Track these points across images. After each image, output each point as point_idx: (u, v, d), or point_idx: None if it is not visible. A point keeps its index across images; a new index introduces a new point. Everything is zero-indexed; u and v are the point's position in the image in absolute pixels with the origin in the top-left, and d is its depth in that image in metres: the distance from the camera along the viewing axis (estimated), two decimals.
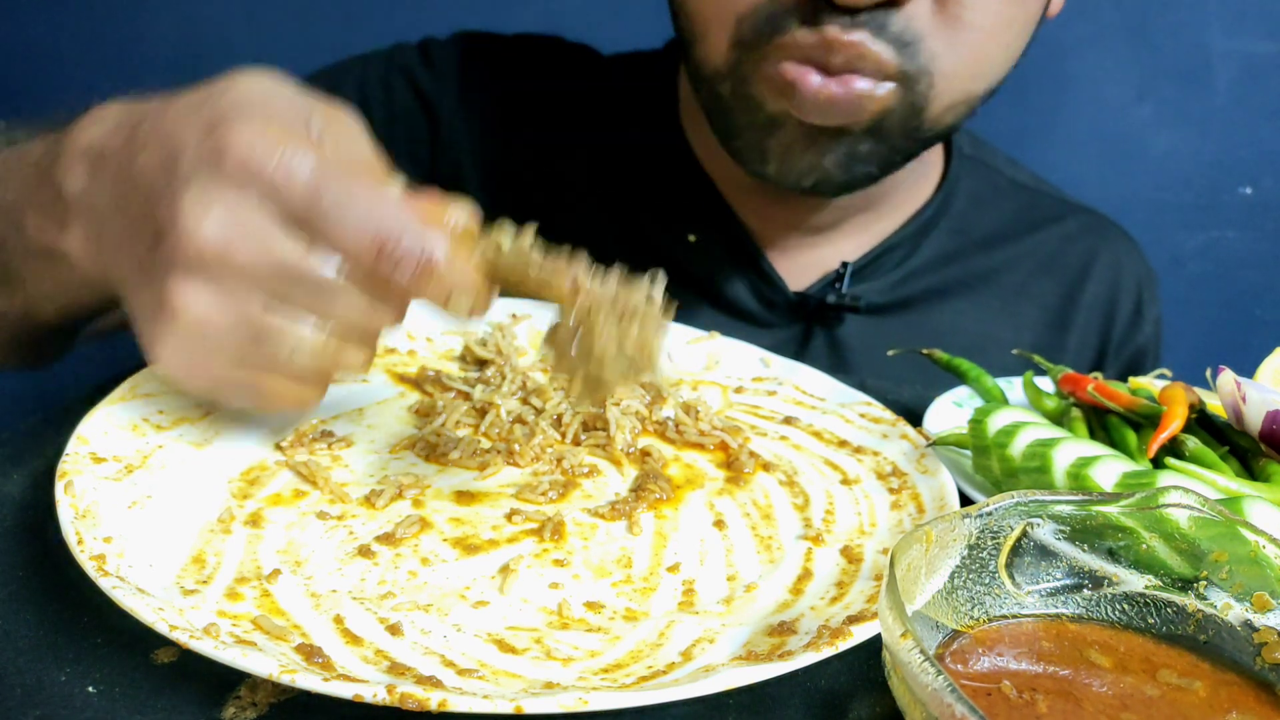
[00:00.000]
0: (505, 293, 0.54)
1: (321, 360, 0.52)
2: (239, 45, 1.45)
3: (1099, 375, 0.72)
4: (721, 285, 0.97)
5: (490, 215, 0.56)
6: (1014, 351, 0.88)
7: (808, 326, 0.98)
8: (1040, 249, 1.05)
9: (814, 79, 0.76)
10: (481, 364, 0.74)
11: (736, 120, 0.83)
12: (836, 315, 0.97)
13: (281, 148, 0.49)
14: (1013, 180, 1.09)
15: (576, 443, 0.67)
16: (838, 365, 0.98)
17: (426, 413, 0.68)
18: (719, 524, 0.60)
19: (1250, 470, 0.63)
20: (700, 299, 0.98)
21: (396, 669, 0.45)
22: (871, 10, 0.74)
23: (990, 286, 1.03)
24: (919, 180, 1.02)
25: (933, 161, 1.04)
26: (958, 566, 0.46)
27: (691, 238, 0.98)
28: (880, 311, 0.99)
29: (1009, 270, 1.04)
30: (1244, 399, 0.63)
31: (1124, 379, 1.04)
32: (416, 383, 0.72)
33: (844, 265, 0.96)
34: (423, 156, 1.03)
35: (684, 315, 0.96)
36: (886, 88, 0.77)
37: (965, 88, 0.81)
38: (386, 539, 0.54)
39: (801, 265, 0.99)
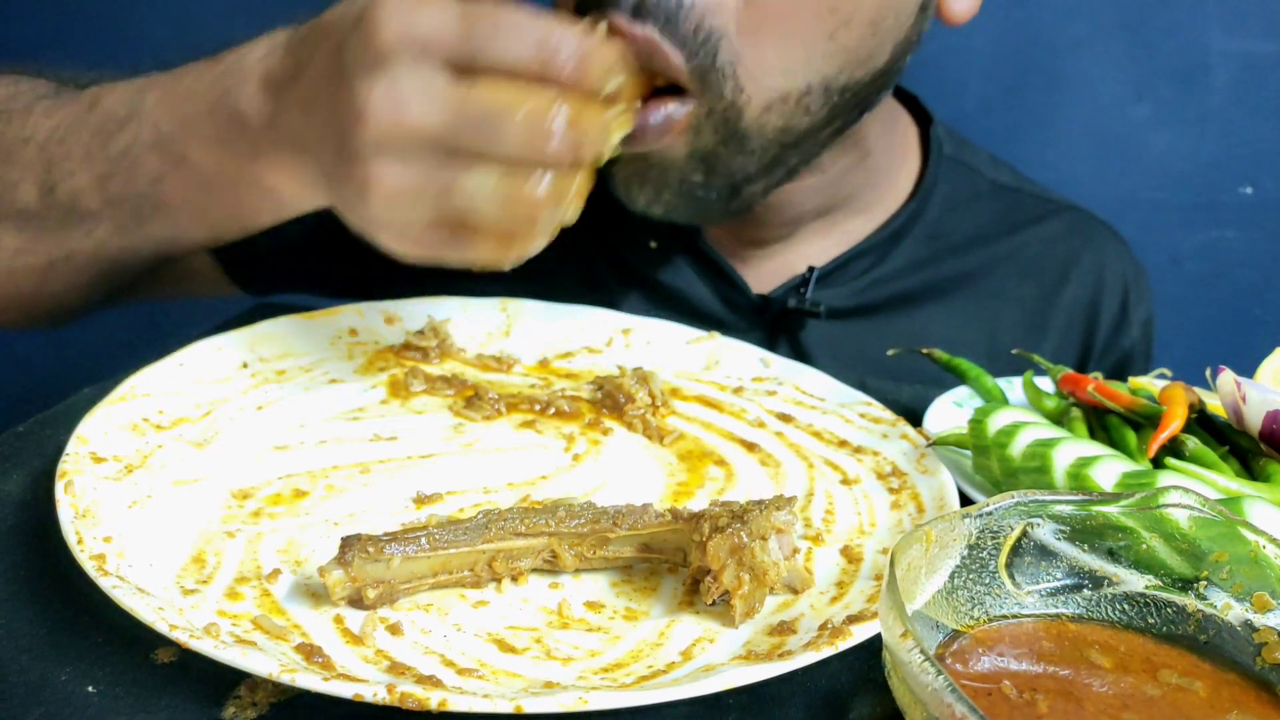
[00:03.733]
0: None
1: (507, 203, 0.55)
2: (240, 38, 1.45)
3: (1099, 375, 0.72)
4: (685, 290, 0.96)
5: None
6: (1014, 351, 0.87)
7: (771, 331, 0.96)
8: (1019, 252, 1.02)
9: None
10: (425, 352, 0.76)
11: None
12: (799, 320, 0.95)
13: (421, 8, 0.55)
14: (994, 181, 1.05)
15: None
16: None
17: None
18: None
19: (1250, 470, 0.63)
20: (664, 305, 0.96)
21: (396, 668, 0.45)
22: None
23: (964, 291, 1.00)
24: (886, 185, 0.99)
25: (905, 165, 1.01)
26: (958, 566, 0.46)
27: (653, 244, 0.96)
28: (845, 316, 0.96)
29: (985, 274, 1.01)
30: (1244, 399, 0.63)
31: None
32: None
33: (810, 270, 0.94)
34: None
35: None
36: (679, 110, 0.74)
37: (780, 85, 0.76)
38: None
39: (768, 270, 0.96)
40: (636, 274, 0.97)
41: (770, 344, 0.95)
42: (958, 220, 1.01)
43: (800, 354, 0.95)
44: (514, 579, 0.52)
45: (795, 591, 0.53)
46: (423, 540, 0.49)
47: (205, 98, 0.66)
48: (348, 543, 0.48)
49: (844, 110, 0.82)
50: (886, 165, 0.98)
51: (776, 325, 0.96)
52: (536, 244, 0.58)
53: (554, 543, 0.52)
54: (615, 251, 0.97)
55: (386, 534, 0.49)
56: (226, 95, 0.64)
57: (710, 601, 0.50)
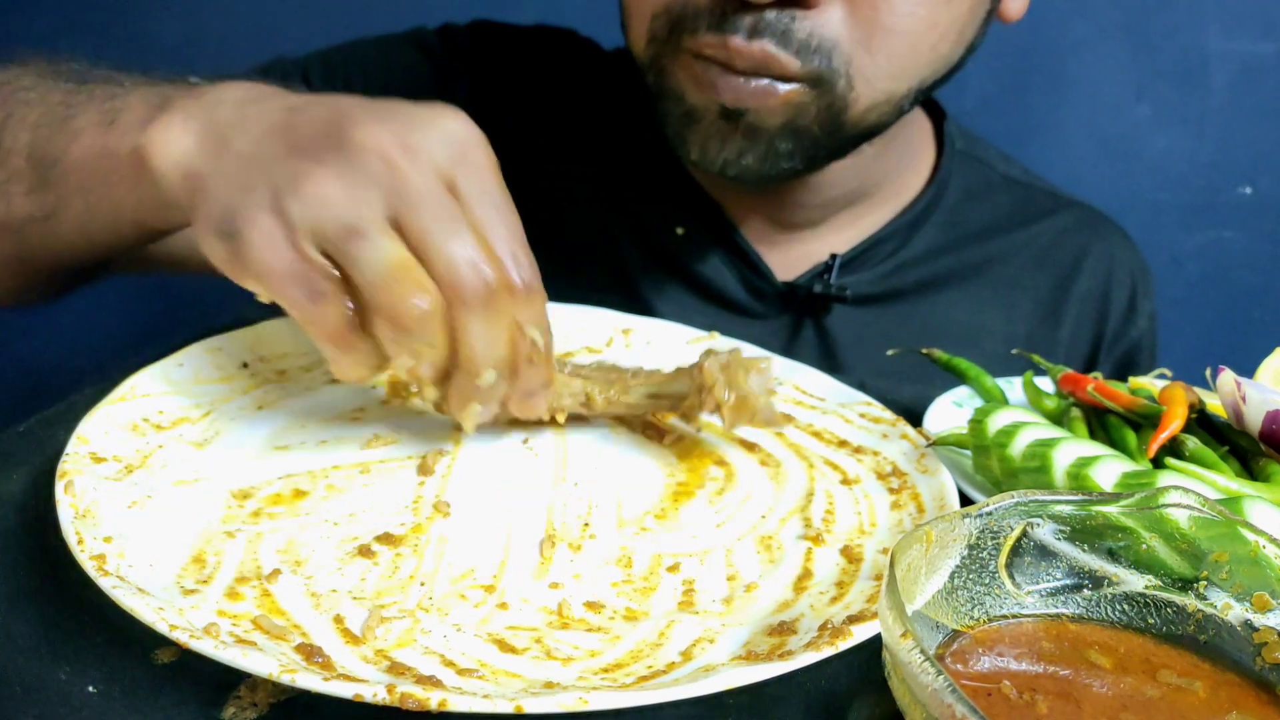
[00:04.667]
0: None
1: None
2: (242, 37, 1.46)
3: (1099, 375, 0.72)
4: (711, 276, 0.99)
5: None
6: (1014, 351, 0.88)
7: (797, 317, 0.99)
8: (1034, 242, 1.06)
9: (719, 75, 0.79)
10: None
11: (662, 109, 0.86)
12: (825, 305, 0.98)
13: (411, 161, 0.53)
14: (1006, 175, 1.09)
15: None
16: (827, 356, 0.98)
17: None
18: (718, 524, 0.60)
19: (1250, 470, 0.63)
20: (690, 291, 0.99)
21: (396, 669, 0.45)
22: (777, 10, 0.75)
23: (982, 278, 1.03)
24: (908, 174, 1.02)
25: (923, 156, 1.04)
26: (958, 566, 0.46)
27: (680, 230, 0.99)
28: (870, 302, 0.99)
29: (1001, 262, 1.04)
30: (1244, 399, 0.63)
31: (1120, 373, 1.04)
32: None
33: (833, 257, 0.97)
34: None
35: (675, 307, 0.98)
36: (788, 88, 0.79)
37: (887, 88, 0.82)
38: (387, 539, 0.54)
39: (792, 258, 1.00)
40: (663, 260, 1.00)
41: (796, 330, 0.98)
42: (973, 210, 1.04)
43: (826, 340, 0.98)
44: (553, 418, 0.62)
45: (768, 424, 0.63)
46: None
47: (164, 93, 0.62)
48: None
49: (920, 100, 0.88)
50: (908, 155, 1.02)
51: (802, 311, 0.98)
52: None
53: (587, 385, 0.62)
54: (643, 237, 1.00)
55: None
56: (191, 99, 0.60)
57: (705, 412, 0.62)
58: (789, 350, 0.99)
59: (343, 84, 1.01)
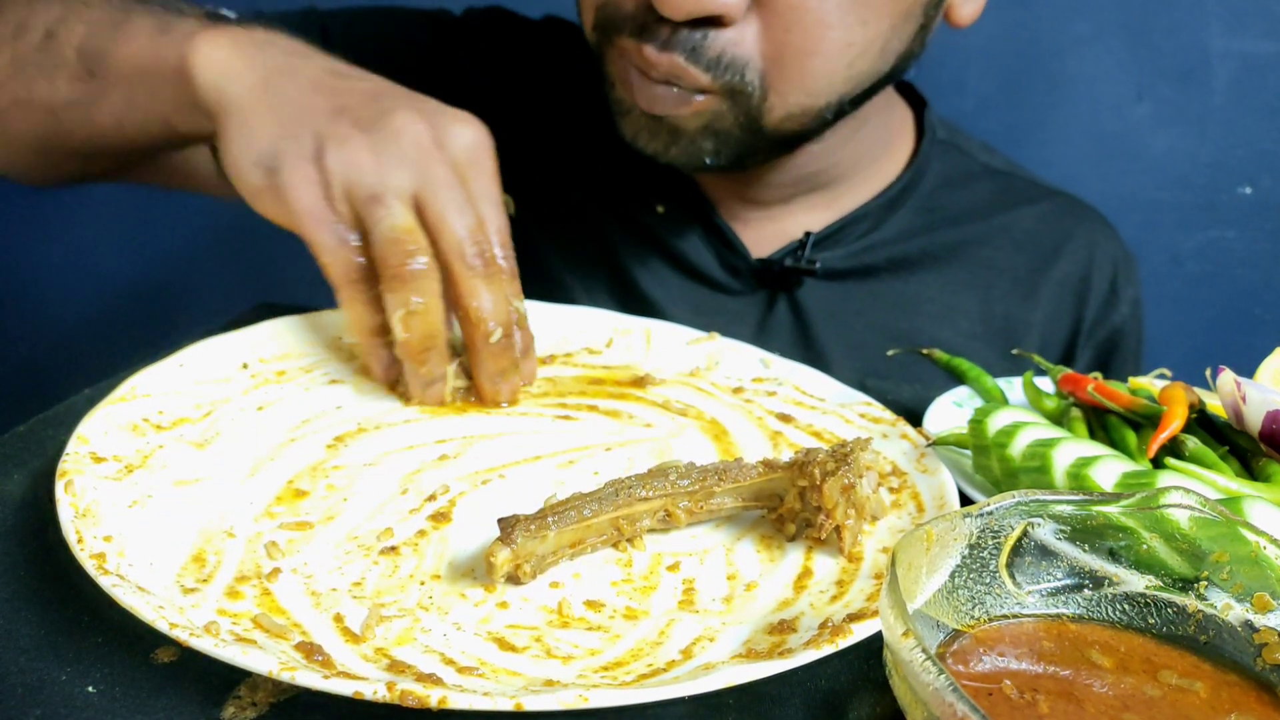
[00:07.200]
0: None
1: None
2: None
3: (1099, 375, 0.72)
4: (688, 253, 1.01)
5: None
6: (1014, 351, 0.88)
7: (771, 292, 1.01)
8: (1013, 226, 1.06)
9: (638, 78, 0.83)
10: None
11: (607, 95, 0.90)
12: (797, 280, 0.99)
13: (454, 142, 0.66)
14: (986, 165, 1.09)
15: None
16: (800, 330, 1.00)
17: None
18: (718, 523, 0.60)
19: (1250, 470, 0.63)
20: (670, 266, 1.01)
21: (396, 666, 0.45)
22: (690, 28, 0.78)
23: (958, 259, 1.03)
24: (885, 160, 1.03)
25: (901, 142, 1.05)
26: (958, 566, 0.46)
27: (660, 208, 1.02)
28: (841, 277, 1.01)
29: (979, 245, 1.04)
30: (1244, 399, 0.63)
31: (1103, 360, 1.04)
32: None
33: (807, 234, 0.98)
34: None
35: (657, 282, 1.00)
36: (701, 98, 0.82)
37: (801, 103, 0.84)
38: (387, 538, 0.54)
39: (767, 235, 1.01)
40: (644, 237, 1.02)
41: (770, 305, 0.99)
42: (952, 196, 1.05)
43: (799, 314, 1.00)
44: (631, 541, 0.56)
45: (875, 519, 0.59)
46: (572, 513, 0.53)
47: (219, 19, 0.71)
48: (508, 523, 0.51)
49: (851, 108, 0.89)
50: (883, 140, 1.02)
51: (776, 286, 1.00)
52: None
53: (668, 503, 0.57)
54: (626, 215, 1.02)
55: (539, 511, 0.53)
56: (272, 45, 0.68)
57: (824, 537, 0.56)
58: (763, 324, 1.00)
59: (361, 47, 1.04)
